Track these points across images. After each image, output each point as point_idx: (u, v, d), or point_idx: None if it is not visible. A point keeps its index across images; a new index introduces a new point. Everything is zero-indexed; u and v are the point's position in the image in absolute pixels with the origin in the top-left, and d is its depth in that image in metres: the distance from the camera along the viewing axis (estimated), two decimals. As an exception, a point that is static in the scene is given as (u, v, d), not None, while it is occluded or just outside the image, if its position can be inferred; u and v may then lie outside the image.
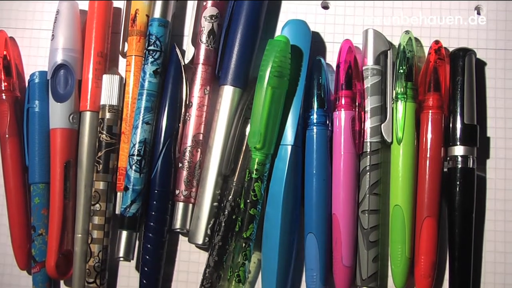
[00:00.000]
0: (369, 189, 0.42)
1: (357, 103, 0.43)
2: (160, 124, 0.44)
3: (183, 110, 0.44)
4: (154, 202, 0.43)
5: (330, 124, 0.43)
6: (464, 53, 0.44)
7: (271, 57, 0.41)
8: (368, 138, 0.43)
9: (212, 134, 0.44)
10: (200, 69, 0.45)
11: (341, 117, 0.43)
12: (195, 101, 0.44)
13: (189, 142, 0.44)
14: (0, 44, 0.46)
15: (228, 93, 0.44)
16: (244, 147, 0.43)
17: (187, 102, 0.44)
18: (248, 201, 0.41)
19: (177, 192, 0.44)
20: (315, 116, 0.43)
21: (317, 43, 0.46)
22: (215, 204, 0.43)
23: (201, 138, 0.44)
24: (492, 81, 0.46)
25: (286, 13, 0.47)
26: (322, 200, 0.42)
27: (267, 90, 0.40)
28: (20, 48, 0.49)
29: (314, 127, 0.43)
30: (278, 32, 0.46)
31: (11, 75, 0.46)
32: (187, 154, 0.44)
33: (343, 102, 0.43)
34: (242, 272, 0.41)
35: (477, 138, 0.43)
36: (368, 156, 0.43)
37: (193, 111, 0.44)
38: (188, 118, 0.44)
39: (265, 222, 0.42)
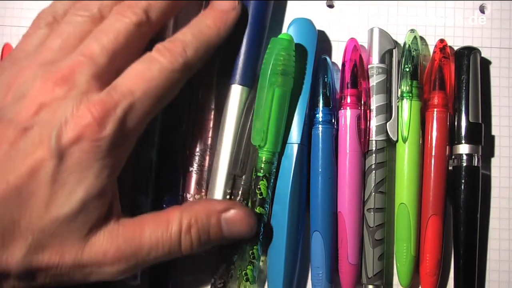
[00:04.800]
0: (374, 187, 0.43)
1: (362, 102, 0.43)
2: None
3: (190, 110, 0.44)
4: (164, 206, 0.42)
5: (335, 123, 0.43)
6: (469, 51, 0.44)
7: (272, 55, 0.41)
8: (373, 137, 0.43)
9: (221, 134, 0.43)
10: (207, 68, 0.45)
11: (347, 116, 0.43)
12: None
13: (198, 144, 0.44)
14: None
15: (236, 92, 0.43)
16: (252, 146, 0.43)
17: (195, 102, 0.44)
18: (255, 199, 0.41)
19: (188, 196, 0.43)
20: (320, 114, 0.43)
21: (322, 42, 0.46)
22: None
23: (209, 137, 0.44)
24: (497, 80, 0.46)
25: (291, 12, 0.47)
26: (327, 198, 0.42)
27: (267, 87, 0.40)
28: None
29: (320, 126, 0.43)
30: (284, 31, 0.46)
31: None
32: (196, 157, 0.44)
33: (348, 100, 0.43)
34: (250, 271, 0.41)
35: (482, 136, 0.43)
36: (374, 155, 0.43)
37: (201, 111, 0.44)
38: (196, 118, 0.44)
39: (272, 220, 0.42)
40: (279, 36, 0.42)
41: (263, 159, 0.41)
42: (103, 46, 0.36)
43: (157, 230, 0.36)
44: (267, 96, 0.41)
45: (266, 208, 0.42)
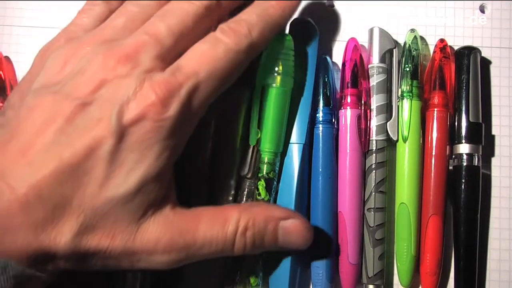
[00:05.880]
0: (375, 187, 0.43)
1: (362, 101, 0.43)
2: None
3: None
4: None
5: (336, 122, 0.43)
6: (469, 51, 0.44)
7: (267, 55, 0.41)
8: (373, 136, 0.43)
9: (226, 136, 0.43)
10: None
11: (347, 115, 0.43)
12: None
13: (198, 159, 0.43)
14: None
15: (239, 93, 0.43)
16: (255, 147, 0.43)
17: None
18: (254, 200, 0.41)
19: None
20: (321, 114, 0.43)
21: (322, 42, 0.46)
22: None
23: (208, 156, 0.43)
24: (497, 79, 0.46)
25: (291, 11, 0.47)
26: (328, 198, 0.42)
27: (262, 87, 0.41)
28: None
29: (320, 125, 0.43)
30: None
31: (5, 96, 0.44)
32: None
33: (349, 100, 0.43)
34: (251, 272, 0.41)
35: (482, 136, 0.43)
36: (374, 154, 0.43)
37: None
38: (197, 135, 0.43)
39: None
40: (277, 36, 0.42)
41: (265, 160, 0.41)
42: (170, 27, 0.35)
43: (213, 227, 0.34)
44: (262, 96, 0.41)
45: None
